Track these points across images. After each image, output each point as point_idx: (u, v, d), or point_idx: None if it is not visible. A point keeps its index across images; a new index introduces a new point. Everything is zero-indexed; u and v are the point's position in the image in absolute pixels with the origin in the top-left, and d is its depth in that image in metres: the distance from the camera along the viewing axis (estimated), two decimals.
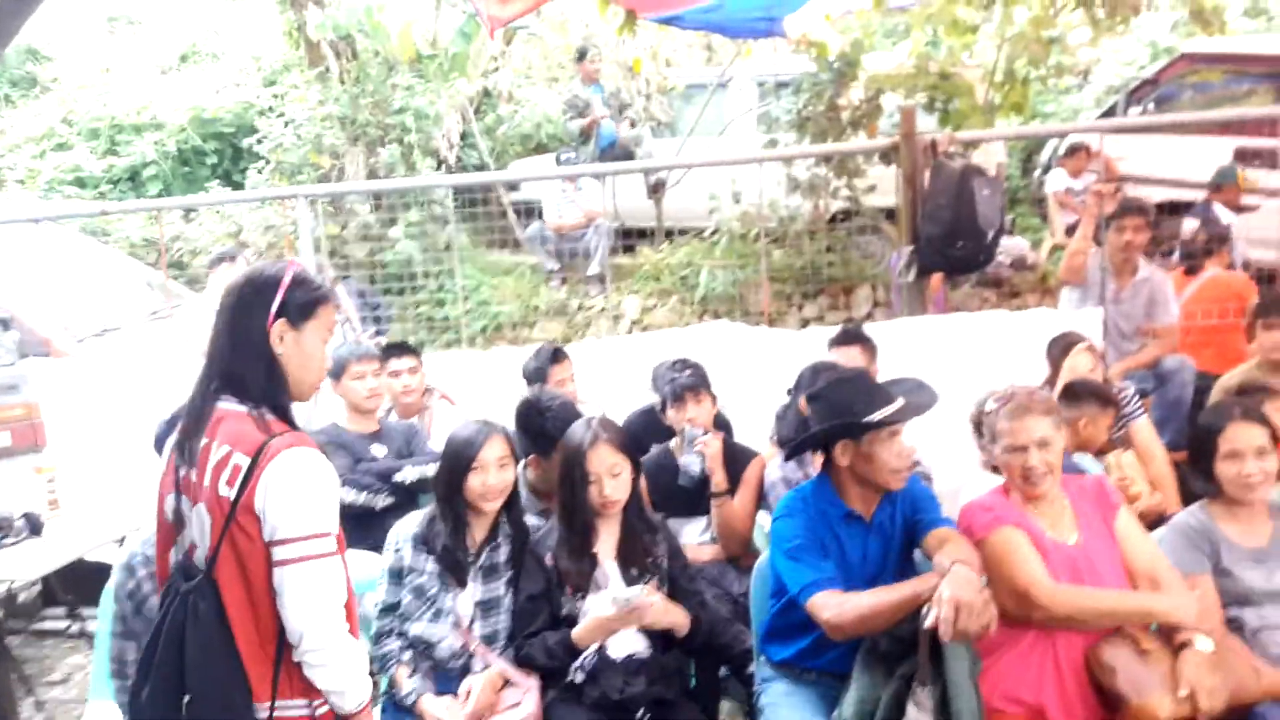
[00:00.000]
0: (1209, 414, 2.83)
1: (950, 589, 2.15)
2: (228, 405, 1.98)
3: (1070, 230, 7.25)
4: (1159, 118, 7.10)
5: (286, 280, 1.98)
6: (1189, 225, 6.20)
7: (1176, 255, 6.44)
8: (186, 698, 1.89)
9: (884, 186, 6.70)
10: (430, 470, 3.39)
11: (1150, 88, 8.04)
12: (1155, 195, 7.44)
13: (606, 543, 2.75)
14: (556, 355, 4.15)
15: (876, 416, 2.43)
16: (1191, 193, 7.15)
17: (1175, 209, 6.79)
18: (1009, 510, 2.51)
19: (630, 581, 2.70)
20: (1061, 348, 3.95)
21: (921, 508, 2.55)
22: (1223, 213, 6.33)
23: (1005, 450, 2.54)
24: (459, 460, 2.72)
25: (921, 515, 2.53)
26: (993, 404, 2.64)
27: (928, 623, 2.15)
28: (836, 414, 2.46)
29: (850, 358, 3.86)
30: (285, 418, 2.00)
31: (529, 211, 7.93)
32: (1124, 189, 7.16)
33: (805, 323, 7.54)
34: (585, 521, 2.71)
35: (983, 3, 6.58)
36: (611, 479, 2.67)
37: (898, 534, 2.55)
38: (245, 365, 1.98)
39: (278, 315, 1.96)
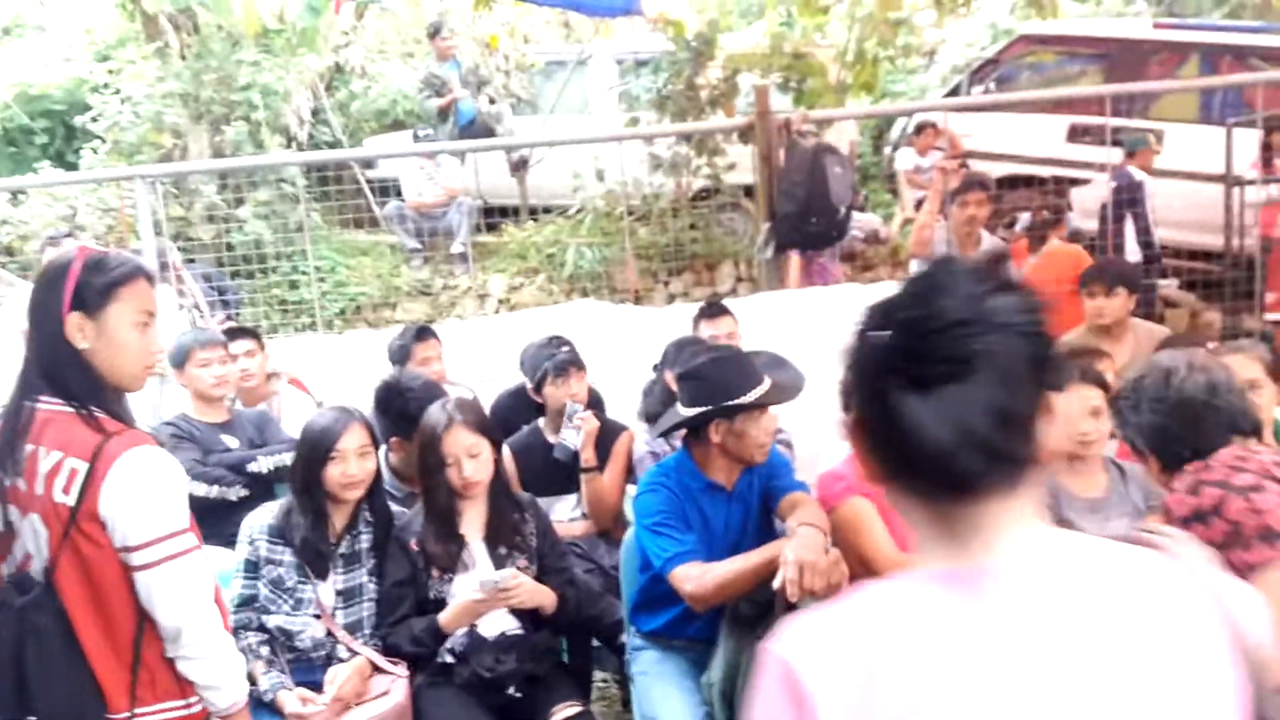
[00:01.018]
0: None
1: (794, 551, 2.22)
2: (51, 406, 1.86)
3: (919, 205, 7.56)
4: (999, 97, 7.45)
5: (76, 269, 1.84)
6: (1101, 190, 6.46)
7: (1019, 226, 6.79)
8: None
9: (744, 164, 6.81)
10: (287, 458, 3.28)
11: (991, 68, 8.41)
12: (997, 170, 7.83)
13: (473, 523, 2.73)
14: (421, 334, 4.08)
15: (752, 397, 2.48)
16: (1030, 167, 7.55)
17: (1015, 183, 7.14)
18: (860, 480, 2.59)
19: (499, 561, 2.69)
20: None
21: (777, 474, 2.64)
22: (1136, 173, 6.63)
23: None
24: (317, 450, 2.63)
25: (776, 481, 2.62)
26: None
27: (776, 584, 2.21)
28: (712, 395, 2.49)
29: (719, 330, 3.95)
30: (117, 413, 1.89)
31: (386, 190, 7.73)
32: (968, 165, 7.52)
33: (672, 299, 7.62)
34: (448, 503, 2.67)
35: None
36: (470, 460, 2.64)
37: (757, 501, 2.63)
38: (55, 364, 1.86)
39: (72, 307, 1.83)
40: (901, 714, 0.88)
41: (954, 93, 8.52)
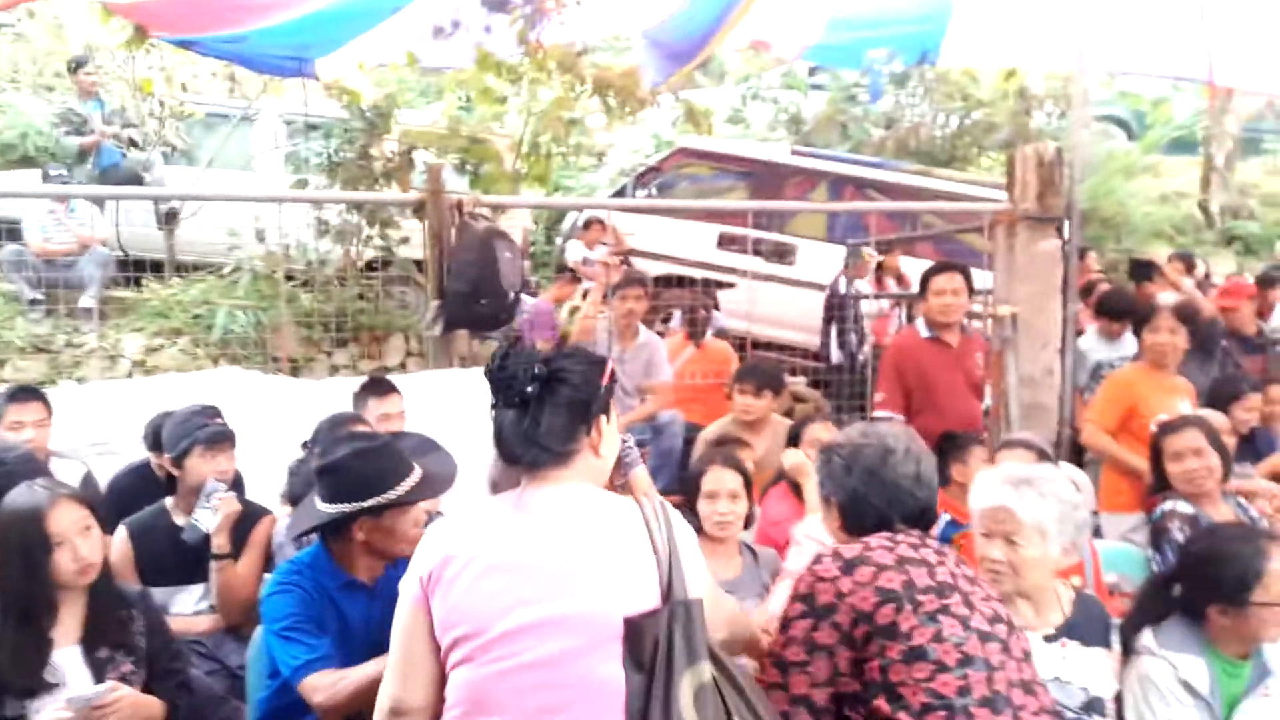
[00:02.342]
0: (696, 461, 3.17)
1: None
2: None
3: (586, 295, 7.88)
4: (659, 202, 7.96)
5: None
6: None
7: (673, 322, 7.26)
8: None
9: (418, 239, 6.76)
10: None
11: (654, 174, 9.03)
12: (656, 269, 8.37)
13: (67, 624, 2.35)
14: (18, 395, 3.58)
15: (400, 492, 2.31)
16: (684, 268, 8.14)
17: (670, 281, 7.66)
18: None
19: (97, 667, 2.33)
20: None
21: None
22: (843, 285, 7.20)
23: None
24: None
25: None
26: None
27: None
28: (355, 491, 2.29)
29: (388, 408, 3.82)
30: None
31: (9, 232, 6.79)
32: (630, 262, 7.96)
33: (335, 370, 7.30)
34: (45, 600, 2.29)
35: (512, 77, 6.96)
36: (84, 538, 2.31)
37: None
38: None
39: None
40: (458, 570, 1.67)
41: (620, 193, 9.02)
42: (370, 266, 7.70)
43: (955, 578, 1.85)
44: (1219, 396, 4.53)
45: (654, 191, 8.79)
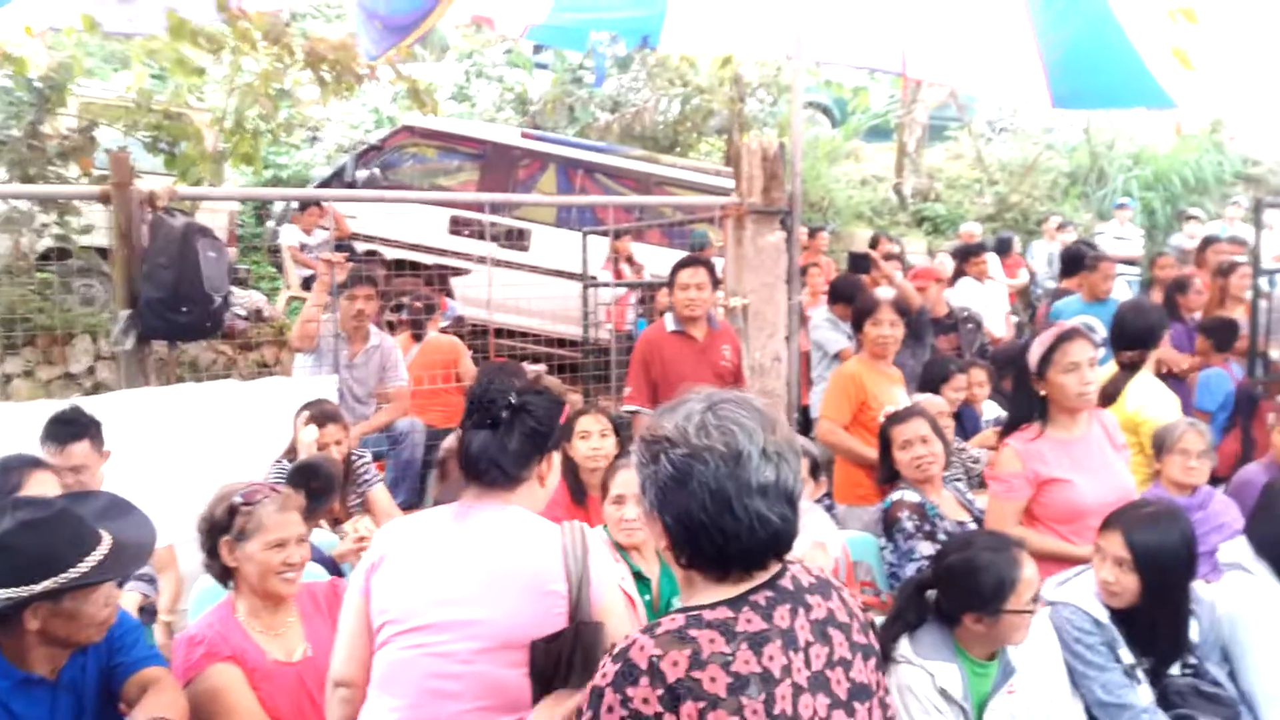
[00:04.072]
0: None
1: None
2: None
3: (306, 284, 7.31)
4: (381, 194, 7.35)
5: None
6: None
7: (406, 312, 6.89)
8: None
9: (103, 225, 5.96)
10: None
11: (376, 153, 8.55)
12: (386, 253, 7.94)
13: None
14: None
15: (80, 573, 1.92)
16: (416, 254, 7.77)
17: (401, 266, 7.28)
18: (225, 639, 2.20)
19: None
20: (314, 415, 3.84)
21: (121, 648, 2.11)
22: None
23: None
24: None
25: (121, 658, 2.10)
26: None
27: None
28: (25, 573, 1.89)
29: (78, 457, 3.20)
30: None
31: None
32: (354, 250, 7.49)
33: (8, 380, 6.35)
34: None
35: (211, 47, 6.26)
36: None
37: (95, 688, 2.08)
38: None
39: None
40: (397, 565, 1.90)
41: (339, 172, 8.47)
42: (45, 257, 6.77)
43: (789, 659, 1.39)
44: (929, 379, 4.87)
45: (377, 171, 8.31)
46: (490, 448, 1.91)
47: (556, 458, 2.02)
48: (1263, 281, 5.60)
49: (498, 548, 1.88)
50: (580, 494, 3.50)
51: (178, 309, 4.02)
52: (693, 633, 1.35)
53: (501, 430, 1.91)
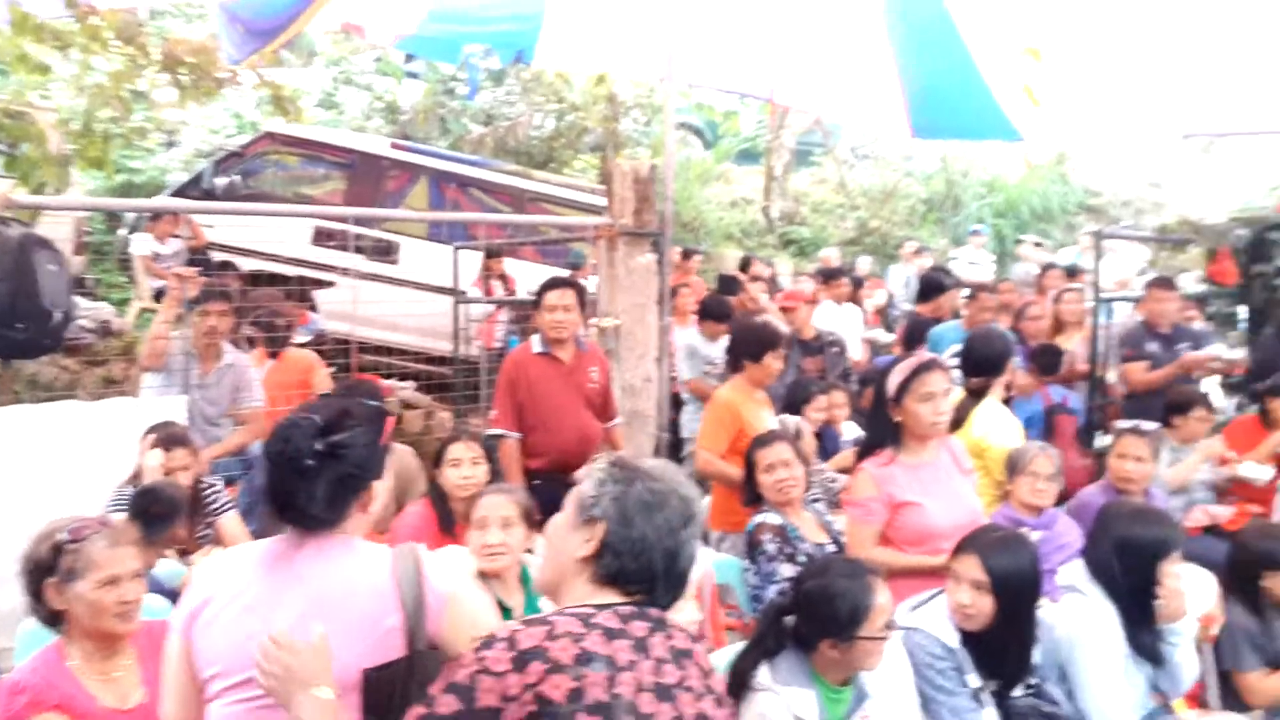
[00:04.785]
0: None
1: None
2: None
3: (158, 295, 6.95)
4: (252, 206, 7.11)
5: None
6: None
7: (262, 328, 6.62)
8: None
9: None
10: None
11: (237, 160, 8.21)
12: (246, 264, 7.62)
13: None
14: None
15: None
16: (277, 265, 7.49)
17: (259, 278, 7.01)
18: (52, 685, 2.07)
19: None
20: (161, 439, 3.63)
21: None
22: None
23: None
24: None
25: None
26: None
27: None
28: None
29: None
30: None
31: None
32: (210, 259, 7.17)
33: None
34: None
35: (58, 44, 5.91)
36: None
37: None
38: None
39: None
40: (216, 612, 1.74)
41: (197, 179, 8.10)
42: None
43: (637, 658, 1.50)
44: (792, 401, 4.99)
45: (237, 179, 7.98)
46: (298, 498, 1.73)
47: (379, 484, 1.85)
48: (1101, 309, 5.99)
49: (325, 588, 1.75)
50: (449, 523, 3.40)
51: (12, 325, 3.76)
52: (553, 618, 1.54)
53: (308, 479, 1.72)
